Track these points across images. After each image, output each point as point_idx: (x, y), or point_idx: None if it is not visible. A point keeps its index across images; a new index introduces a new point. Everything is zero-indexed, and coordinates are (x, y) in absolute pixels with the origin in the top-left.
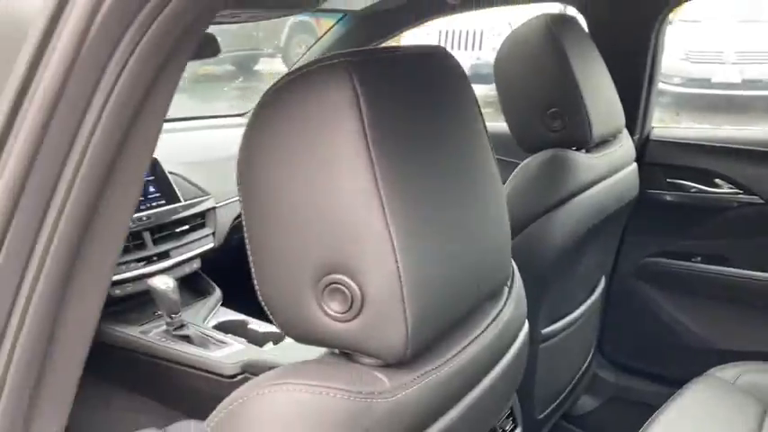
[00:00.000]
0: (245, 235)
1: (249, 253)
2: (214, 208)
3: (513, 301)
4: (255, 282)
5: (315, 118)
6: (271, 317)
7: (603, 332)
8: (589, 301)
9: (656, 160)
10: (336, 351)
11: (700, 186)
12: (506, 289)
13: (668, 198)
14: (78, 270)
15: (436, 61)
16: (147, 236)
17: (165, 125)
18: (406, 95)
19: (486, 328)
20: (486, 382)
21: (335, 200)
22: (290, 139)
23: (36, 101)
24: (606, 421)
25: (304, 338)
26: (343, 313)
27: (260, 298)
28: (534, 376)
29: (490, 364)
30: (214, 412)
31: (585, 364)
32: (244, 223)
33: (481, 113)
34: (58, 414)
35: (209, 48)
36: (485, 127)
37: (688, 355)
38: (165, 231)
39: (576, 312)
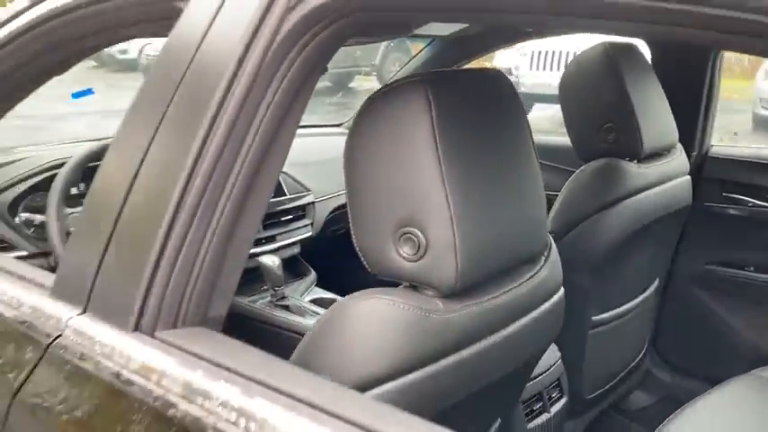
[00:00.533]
0: (348, 202)
1: (350, 215)
2: (313, 203)
3: (549, 267)
4: (353, 235)
5: (399, 121)
6: (362, 259)
7: (660, 332)
8: (640, 298)
9: (714, 175)
10: (407, 284)
11: (755, 201)
12: (543, 258)
13: (724, 211)
14: (238, 227)
15: (493, 81)
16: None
17: None
18: (467, 105)
19: (523, 282)
20: (519, 324)
21: (411, 178)
22: (380, 134)
23: (225, 120)
24: (659, 418)
25: (385, 274)
26: (412, 255)
27: (356, 245)
28: (584, 357)
29: (524, 310)
30: (323, 313)
31: (638, 359)
32: (346, 194)
33: (527, 122)
34: (225, 301)
35: None
36: (530, 133)
37: (742, 360)
38: (273, 219)
39: (626, 306)
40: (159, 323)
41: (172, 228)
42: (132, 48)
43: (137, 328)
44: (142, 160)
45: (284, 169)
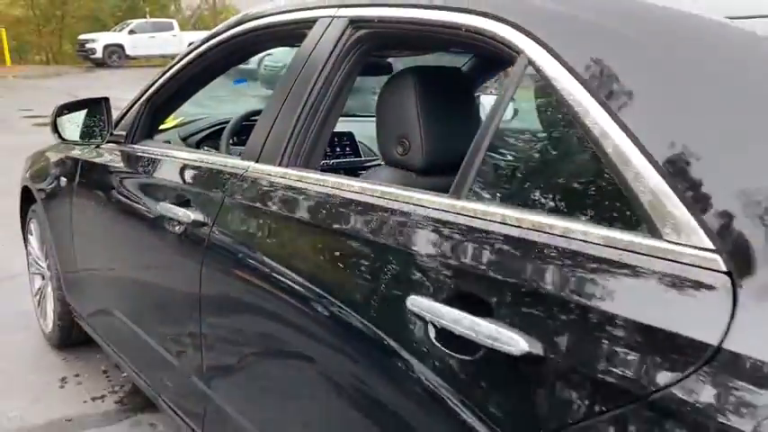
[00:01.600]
0: (376, 127)
1: (376, 133)
2: (381, 164)
3: None
4: (377, 142)
5: (400, 88)
6: (379, 154)
7: None
8: None
9: None
10: (400, 168)
11: None
12: None
13: None
14: (321, 134)
15: (452, 72)
16: (342, 174)
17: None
18: (434, 82)
19: None
20: None
21: (404, 116)
22: (392, 94)
23: (316, 88)
24: None
25: (390, 162)
26: (402, 153)
27: (377, 148)
28: None
29: None
30: (366, 172)
31: None
32: (375, 122)
33: (473, 94)
34: (318, 159)
35: (383, 69)
36: (475, 101)
37: None
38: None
39: None
40: (287, 164)
41: (296, 125)
42: (253, 59)
43: (279, 164)
44: (283, 103)
45: (363, 141)
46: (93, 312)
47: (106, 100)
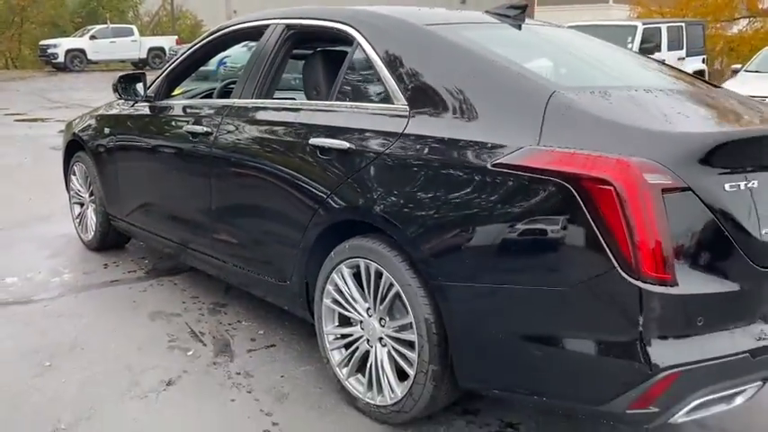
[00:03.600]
0: (303, 81)
1: (303, 84)
2: None
3: None
4: (303, 89)
5: (314, 60)
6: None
7: None
8: None
9: None
10: None
11: None
12: None
13: None
14: (269, 94)
15: (339, 52)
16: None
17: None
18: (330, 58)
19: None
20: None
21: (315, 73)
22: (311, 64)
23: (265, 68)
24: None
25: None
26: (317, 93)
27: (303, 91)
28: None
29: None
30: None
31: None
32: (302, 78)
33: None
34: (272, 95)
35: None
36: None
37: None
38: None
39: None
40: None
41: (259, 79)
42: (212, 61)
43: (251, 98)
44: (251, 69)
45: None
46: (131, 211)
47: (143, 74)
